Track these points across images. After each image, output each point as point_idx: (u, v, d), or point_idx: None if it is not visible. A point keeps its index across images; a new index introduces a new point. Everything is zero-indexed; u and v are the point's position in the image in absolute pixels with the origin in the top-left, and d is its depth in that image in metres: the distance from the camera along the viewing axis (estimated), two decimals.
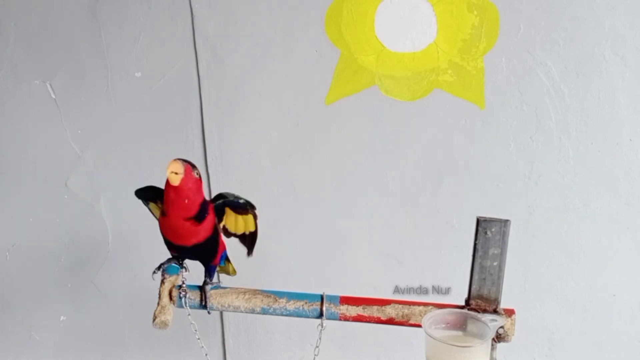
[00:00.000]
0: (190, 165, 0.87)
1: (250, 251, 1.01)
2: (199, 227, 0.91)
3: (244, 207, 0.96)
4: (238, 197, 0.96)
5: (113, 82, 1.39)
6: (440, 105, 1.31)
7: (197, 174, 0.89)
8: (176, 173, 0.84)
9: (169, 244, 0.96)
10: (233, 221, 0.98)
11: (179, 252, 0.98)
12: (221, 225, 0.97)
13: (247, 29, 1.33)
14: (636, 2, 1.22)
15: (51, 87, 1.41)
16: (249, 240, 1.00)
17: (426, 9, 1.28)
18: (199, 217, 0.90)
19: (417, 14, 1.28)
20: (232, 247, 1.03)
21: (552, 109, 1.28)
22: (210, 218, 0.93)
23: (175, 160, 0.85)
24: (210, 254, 0.98)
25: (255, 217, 0.98)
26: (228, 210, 0.96)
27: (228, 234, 0.99)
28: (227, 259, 1.08)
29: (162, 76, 1.38)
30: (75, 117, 1.42)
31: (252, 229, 0.99)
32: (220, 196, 0.96)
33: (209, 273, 1.01)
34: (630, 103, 1.26)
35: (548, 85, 1.27)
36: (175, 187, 0.85)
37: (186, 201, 0.87)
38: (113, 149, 1.42)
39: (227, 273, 1.11)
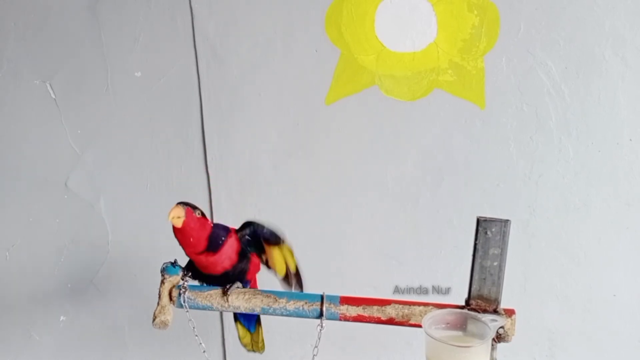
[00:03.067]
0: (190, 207, 0.95)
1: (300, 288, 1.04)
2: (216, 257, 0.96)
3: (269, 237, 1.00)
4: (263, 226, 1.00)
5: (113, 82, 1.39)
6: (440, 105, 1.31)
7: (198, 213, 0.95)
8: (178, 217, 0.93)
9: (204, 277, 1.01)
10: (272, 256, 1.02)
11: (212, 281, 1.01)
12: (264, 258, 1.02)
13: (247, 29, 1.33)
14: (636, 2, 1.22)
15: (51, 87, 1.41)
16: (294, 279, 1.03)
17: (426, 8, 1.28)
18: (212, 248, 0.96)
19: (417, 13, 1.28)
20: None
21: (552, 109, 1.28)
22: (230, 244, 0.97)
23: (176, 205, 0.93)
24: (242, 278, 1.01)
25: (290, 251, 1.01)
26: (265, 245, 1.01)
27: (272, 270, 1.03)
28: (258, 322, 1.10)
29: (162, 76, 1.38)
30: (75, 117, 1.42)
31: (292, 267, 1.03)
32: (247, 224, 1.00)
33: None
34: (630, 103, 1.26)
35: (548, 85, 1.27)
36: (180, 229, 0.94)
37: (191, 239, 0.94)
38: (113, 149, 1.42)
39: (254, 348, 1.13)
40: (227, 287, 0.98)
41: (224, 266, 0.98)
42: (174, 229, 0.94)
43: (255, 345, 1.13)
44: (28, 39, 1.39)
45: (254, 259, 1.02)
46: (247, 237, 0.99)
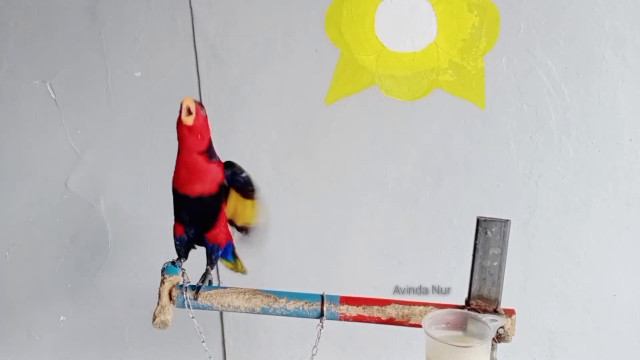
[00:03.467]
0: (199, 104, 0.94)
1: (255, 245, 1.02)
2: (208, 167, 0.94)
3: (245, 186, 0.98)
4: (242, 172, 0.98)
5: (113, 82, 1.39)
6: (440, 105, 1.31)
7: (204, 112, 0.95)
8: (190, 112, 0.91)
9: (176, 198, 0.97)
10: (238, 204, 0.99)
11: (182, 206, 0.98)
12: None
13: (247, 29, 1.33)
14: (636, 2, 1.22)
15: (51, 87, 1.41)
16: (252, 233, 1.01)
17: (426, 8, 1.28)
18: (210, 153, 0.95)
19: (417, 13, 1.28)
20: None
21: (552, 109, 1.28)
22: (218, 166, 0.96)
23: (187, 98, 0.91)
24: (210, 218, 0.98)
25: (260, 206, 0.99)
26: (232, 192, 0.98)
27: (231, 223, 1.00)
28: (234, 255, 1.08)
29: (162, 76, 1.38)
30: (75, 117, 1.42)
31: (253, 221, 1.01)
32: (228, 164, 0.98)
33: (210, 260, 1.01)
34: (630, 103, 1.26)
35: (548, 85, 1.27)
36: (189, 126, 0.92)
37: (199, 136, 0.93)
38: (113, 149, 1.42)
39: (237, 270, 1.11)
40: (200, 284, 0.97)
41: (203, 189, 0.95)
42: (181, 126, 0.93)
43: (240, 268, 1.12)
44: (28, 39, 1.39)
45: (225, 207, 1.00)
46: (235, 180, 0.98)
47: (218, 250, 1.01)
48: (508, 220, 0.90)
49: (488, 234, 0.89)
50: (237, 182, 0.98)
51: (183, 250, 1.01)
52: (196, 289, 0.97)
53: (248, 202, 0.99)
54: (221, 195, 0.97)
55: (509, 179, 1.32)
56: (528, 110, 1.29)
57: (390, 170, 1.35)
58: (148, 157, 1.41)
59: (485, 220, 0.90)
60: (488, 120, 1.30)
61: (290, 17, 1.31)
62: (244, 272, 1.12)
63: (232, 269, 1.12)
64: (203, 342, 1.02)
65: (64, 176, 1.45)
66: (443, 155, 1.33)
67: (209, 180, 0.95)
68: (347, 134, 1.35)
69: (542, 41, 1.26)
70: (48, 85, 1.41)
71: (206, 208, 0.97)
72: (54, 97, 1.41)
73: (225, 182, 0.97)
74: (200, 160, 0.94)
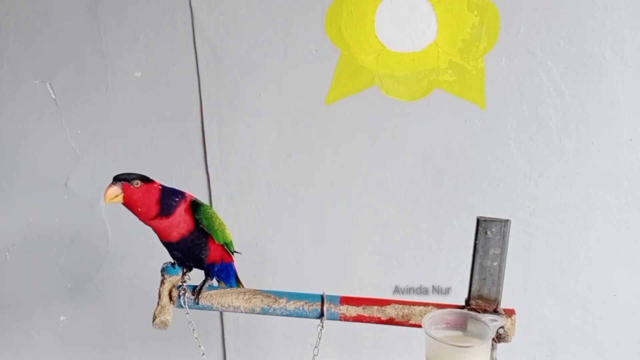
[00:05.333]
0: (126, 182, 0.92)
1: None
2: (170, 220, 0.95)
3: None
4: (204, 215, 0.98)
5: (113, 82, 1.39)
6: (440, 105, 1.31)
7: (136, 184, 0.93)
8: (116, 196, 0.92)
9: (164, 245, 0.99)
10: None
11: (172, 250, 0.99)
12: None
13: (247, 29, 1.33)
14: (636, 2, 1.22)
15: (51, 87, 1.41)
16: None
17: (426, 8, 1.27)
18: (165, 212, 0.94)
19: (417, 13, 1.28)
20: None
21: (552, 109, 1.28)
22: (182, 209, 0.95)
23: (110, 185, 0.92)
24: (201, 251, 0.99)
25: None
26: None
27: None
28: (238, 280, 1.08)
29: (162, 76, 1.38)
30: (75, 117, 1.42)
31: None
32: (195, 204, 0.98)
33: (208, 274, 1.02)
34: (630, 103, 1.26)
35: (548, 85, 1.27)
36: (125, 204, 0.93)
37: (139, 209, 0.93)
38: (113, 149, 1.42)
39: None
40: (199, 286, 0.98)
41: (180, 232, 0.96)
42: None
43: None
44: (28, 39, 1.39)
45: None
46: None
47: (214, 267, 1.02)
48: (508, 220, 0.90)
49: (488, 234, 0.89)
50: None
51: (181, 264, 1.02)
52: (196, 292, 0.98)
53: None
54: (199, 226, 0.97)
55: (509, 179, 1.32)
56: (528, 110, 1.29)
57: (390, 170, 1.35)
58: (148, 157, 1.41)
59: (485, 220, 0.90)
60: (488, 120, 1.30)
61: (290, 17, 1.31)
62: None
63: None
64: (193, 330, 1.01)
65: (64, 176, 1.45)
66: (443, 155, 1.33)
67: (182, 227, 0.96)
68: (347, 134, 1.35)
69: (542, 41, 1.26)
70: (48, 85, 1.41)
71: (194, 243, 0.98)
72: (54, 97, 1.41)
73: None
74: (157, 223, 0.95)
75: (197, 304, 0.97)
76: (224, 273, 1.04)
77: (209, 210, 0.98)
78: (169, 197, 0.95)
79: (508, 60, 1.27)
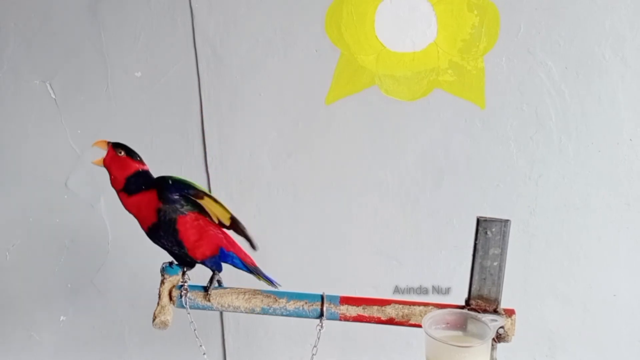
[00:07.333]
0: (114, 146, 0.97)
1: (250, 244, 0.98)
2: (130, 200, 0.96)
3: (188, 194, 0.95)
4: (176, 184, 0.95)
5: (113, 82, 1.39)
6: (440, 105, 1.31)
7: (119, 152, 0.97)
8: (101, 150, 0.96)
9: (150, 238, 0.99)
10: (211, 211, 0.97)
11: (155, 243, 0.98)
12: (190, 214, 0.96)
13: (247, 29, 1.33)
14: (636, 2, 1.22)
15: (51, 87, 1.41)
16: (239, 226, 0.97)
17: (426, 8, 1.28)
18: (128, 190, 0.96)
19: (417, 13, 1.28)
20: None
21: (552, 109, 1.28)
22: (148, 196, 0.95)
23: (102, 141, 0.97)
24: (175, 242, 0.96)
25: (216, 202, 0.95)
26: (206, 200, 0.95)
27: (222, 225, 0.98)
28: (250, 269, 1.03)
29: (162, 76, 1.38)
30: (75, 117, 1.42)
31: (226, 221, 0.96)
32: (159, 181, 0.96)
33: (213, 269, 0.99)
34: (630, 103, 1.26)
35: (548, 85, 1.27)
36: (105, 165, 0.96)
37: (111, 177, 0.97)
38: None
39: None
40: (208, 285, 0.97)
41: (146, 221, 0.96)
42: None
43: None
44: (28, 39, 1.39)
45: (195, 218, 0.96)
46: (173, 195, 0.95)
47: (211, 263, 0.99)
48: (508, 220, 0.90)
49: (488, 234, 0.89)
50: (174, 199, 0.95)
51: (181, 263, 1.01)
52: (207, 290, 0.97)
53: (206, 202, 0.95)
54: (166, 218, 0.94)
55: (509, 179, 1.32)
56: (528, 110, 1.29)
57: (390, 170, 1.35)
58: (148, 157, 1.41)
59: (485, 220, 0.90)
60: (488, 120, 1.30)
61: (290, 17, 1.31)
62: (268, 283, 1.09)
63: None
64: (195, 330, 1.00)
65: (64, 176, 1.45)
66: (443, 155, 1.33)
67: (143, 213, 0.96)
68: (347, 133, 1.35)
69: (542, 41, 1.26)
70: (48, 85, 1.41)
71: (163, 236, 0.96)
72: (54, 97, 1.41)
73: (163, 204, 0.94)
74: (123, 198, 0.97)
75: (209, 301, 0.97)
76: (229, 260, 1.00)
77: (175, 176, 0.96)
78: (138, 179, 0.96)
79: (508, 60, 1.27)
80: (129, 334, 1.51)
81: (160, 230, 0.96)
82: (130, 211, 0.97)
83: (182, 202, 0.95)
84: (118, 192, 0.97)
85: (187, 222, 0.96)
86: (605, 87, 1.26)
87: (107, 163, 0.97)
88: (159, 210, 0.95)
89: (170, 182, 0.95)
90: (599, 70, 1.25)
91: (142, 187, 0.96)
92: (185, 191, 0.95)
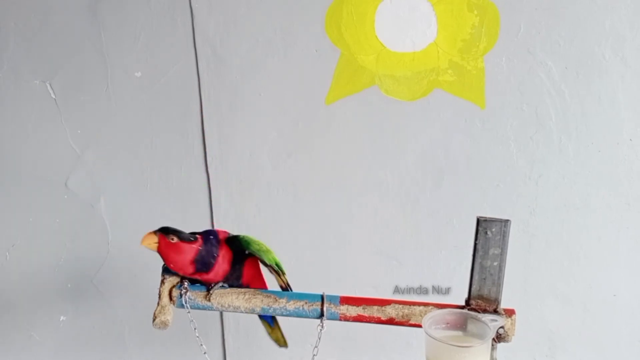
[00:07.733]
0: (163, 233, 0.93)
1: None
2: (210, 275, 0.96)
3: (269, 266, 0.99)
4: (259, 250, 0.98)
5: (113, 82, 1.39)
6: (440, 105, 1.31)
7: (171, 238, 0.93)
8: (155, 243, 0.93)
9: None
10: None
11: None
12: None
13: (247, 29, 1.33)
14: (636, 2, 1.22)
15: (51, 87, 1.41)
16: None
17: (426, 8, 1.28)
18: (203, 269, 0.95)
19: (417, 13, 1.28)
20: None
21: (552, 109, 1.28)
22: (223, 257, 0.96)
23: (148, 233, 0.94)
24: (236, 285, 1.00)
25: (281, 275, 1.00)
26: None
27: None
28: (274, 319, 1.08)
29: (162, 76, 1.38)
30: (75, 117, 1.42)
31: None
32: (235, 239, 0.97)
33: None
34: (630, 103, 1.26)
35: (548, 85, 1.27)
36: (160, 253, 0.94)
37: (171, 265, 0.94)
38: (113, 149, 1.42)
39: (274, 338, 1.12)
40: (211, 286, 0.98)
41: (218, 278, 0.97)
42: None
43: (281, 340, 1.12)
44: (28, 39, 1.39)
45: (249, 263, 1.00)
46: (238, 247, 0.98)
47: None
48: (508, 220, 0.90)
49: (488, 234, 0.89)
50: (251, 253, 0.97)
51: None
52: (207, 290, 0.98)
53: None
54: (237, 263, 0.98)
55: (509, 179, 1.32)
56: (528, 110, 1.29)
57: (390, 170, 1.35)
58: (148, 157, 1.41)
59: (485, 220, 0.90)
60: (488, 120, 1.30)
61: (290, 17, 1.31)
62: (281, 343, 1.12)
63: (269, 334, 1.12)
64: (195, 329, 1.01)
65: (64, 176, 1.45)
66: (443, 155, 1.33)
67: (220, 275, 0.97)
68: (347, 134, 1.35)
69: (542, 41, 1.26)
70: (48, 85, 1.41)
71: (229, 282, 0.99)
72: (54, 97, 1.41)
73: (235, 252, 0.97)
74: (200, 277, 0.97)
75: (209, 301, 0.97)
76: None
77: (247, 237, 0.97)
78: (206, 254, 0.94)
79: (508, 60, 1.27)
80: (129, 334, 1.51)
81: (229, 278, 0.98)
82: (204, 280, 0.97)
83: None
84: (193, 275, 0.95)
85: (247, 264, 1.00)
86: (605, 87, 1.26)
87: (161, 253, 0.94)
88: (232, 261, 0.97)
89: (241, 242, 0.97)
90: (599, 70, 1.25)
91: (213, 258, 0.95)
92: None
